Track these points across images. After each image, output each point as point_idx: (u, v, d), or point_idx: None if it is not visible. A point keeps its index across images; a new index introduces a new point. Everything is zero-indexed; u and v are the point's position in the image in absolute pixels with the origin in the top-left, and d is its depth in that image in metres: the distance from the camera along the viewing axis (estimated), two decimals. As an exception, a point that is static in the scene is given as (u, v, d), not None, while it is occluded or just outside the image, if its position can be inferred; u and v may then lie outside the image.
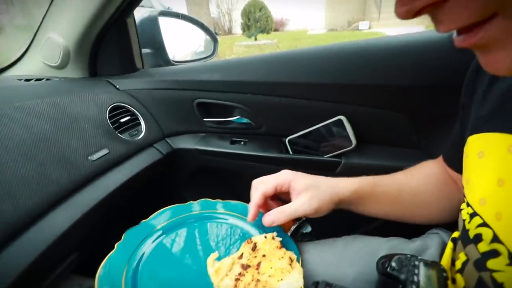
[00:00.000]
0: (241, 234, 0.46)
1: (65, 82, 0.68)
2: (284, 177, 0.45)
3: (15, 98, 0.53)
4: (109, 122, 0.59)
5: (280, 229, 0.47)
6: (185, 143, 0.73)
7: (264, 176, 0.47)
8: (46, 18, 0.68)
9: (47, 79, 0.67)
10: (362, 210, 0.48)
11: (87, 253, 0.57)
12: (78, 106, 0.58)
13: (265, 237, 0.42)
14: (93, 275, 0.74)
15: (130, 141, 0.61)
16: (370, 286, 0.39)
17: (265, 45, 8.17)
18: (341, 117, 0.65)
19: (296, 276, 0.36)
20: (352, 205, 0.47)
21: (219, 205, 0.52)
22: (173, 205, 0.51)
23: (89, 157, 0.51)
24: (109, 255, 0.39)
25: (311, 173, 0.70)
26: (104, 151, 0.54)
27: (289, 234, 0.63)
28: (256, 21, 9.40)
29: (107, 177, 0.52)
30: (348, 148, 0.66)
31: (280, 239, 0.43)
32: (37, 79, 0.66)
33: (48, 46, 0.69)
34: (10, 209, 0.37)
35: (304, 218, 0.53)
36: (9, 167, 0.40)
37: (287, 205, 0.43)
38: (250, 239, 0.42)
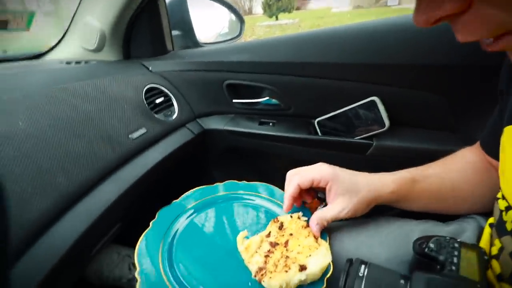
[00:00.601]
0: (267, 214, 0.48)
1: (102, 64, 0.71)
2: (321, 175, 0.43)
3: (60, 80, 0.57)
4: (145, 102, 0.61)
5: (306, 210, 0.48)
6: (215, 123, 0.75)
7: (300, 168, 0.47)
8: (82, 3, 0.71)
9: (86, 62, 0.71)
10: (400, 206, 0.47)
11: (128, 224, 0.62)
12: (116, 87, 0.60)
13: (291, 216, 0.43)
14: (128, 245, 0.80)
15: (165, 121, 0.63)
16: (403, 267, 0.39)
17: (287, 25, 7.92)
18: (374, 98, 0.63)
19: (323, 252, 0.37)
20: (391, 203, 0.46)
21: (245, 187, 0.54)
22: (202, 186, 0.53)
23: (130, 136, 0.53)
24: (145, 232, 0.42)
25: (341, 155, 0.70)
26: (143, 130, 0.56)
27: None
28: (278, 0, 9.09)
29: (146, 155, 0.55)
30: (381, 130, 0.64)
31: (306, 218, 0.44)
32: (76, 62, 0.69)
33: (85, 30, 0.72)
34: (65, 182, 0.40)
35: None
36: (61, 145, 0.43)
37: (326, 210, 0.43)
38: (277, 218, 0.44)
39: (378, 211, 0.55)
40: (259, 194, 0.52)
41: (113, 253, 0.78)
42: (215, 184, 0.53)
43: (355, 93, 0.66)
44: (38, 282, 0.32)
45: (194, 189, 0.52)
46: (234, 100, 0.75)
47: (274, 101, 0.74)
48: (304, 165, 0.74)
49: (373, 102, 0.64)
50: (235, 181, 0.55)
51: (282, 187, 0.68)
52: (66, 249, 0.37)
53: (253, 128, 0.73)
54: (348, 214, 0.42)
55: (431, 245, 0.33)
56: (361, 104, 0.65)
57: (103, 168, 0.46)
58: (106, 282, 0.75)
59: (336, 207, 0.42)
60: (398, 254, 0.41)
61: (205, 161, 0.80)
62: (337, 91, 0.68)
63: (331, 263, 0.36)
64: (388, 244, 0.42)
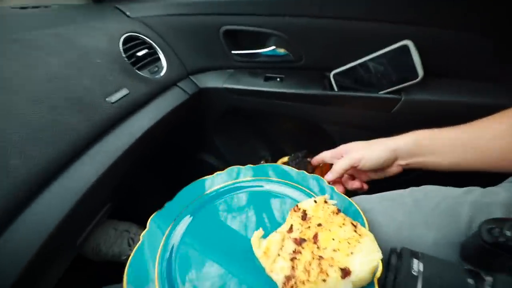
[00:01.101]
0: (283, 202, 0.39)
1: (66, 9, 0.57)
2: (339, 147, 0.48)
3: (11, 29, 0.44)
4: (124, 56, 0.49)
5: (333, 190, 0.40)
6: (212, 81, 0.63)
7: None
8: None
9: (45, 7, 0.56)
10: (433, 161, 0.41)
11: (119, 202, 0.54)
12: (86, 37, 0.48)
13: (315, 201, 0.34)
14: (126, 218, 0.74)
15: (151, 79, 0.52)
16: (454, 250, 0.32)
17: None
18: (407, 42, 0.51)
19: (369, 246, 0.28)
20: (418, 156, 0.41)
21: (250, 171, 0.44)
22: (199, 180, 0.43)
23: (107, 99, 0.43)
24: (136, 247, 0.34)
25: (362, 114, 0.61)
26: (124, 91, 0.46)
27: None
28: None
29: (130, 122, 0.45)
30: (412, 82, 0.54)
31: (335, 201, 0.35)
32: (34, 7, 0.55)
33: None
34: (21, 165, 0.30)
35: None
36: (13, 114, 0.33)
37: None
38: (297, 205, 0.35)
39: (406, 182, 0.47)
40: (268, 177, 0.43)
41: (109, 229, 0.73)
42: (214, 174, 0.44)
43: (382, 37, 0.54)
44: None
45: (190, 184, 0.43)
46: (233, 52, 0.62)
47: (281, 51, 0.62)
48: (318, 126, 0.65)
49: (405, 47, 0.52)
50: (238, 166, 0.45)
51: (293, 151, 0.60)
52: (36, 249, 0.29)
53: (258, 85, 0.62)
54: (362, 157, 0.43)
55: (508, 233, 0.26)
56: (390, 51, 0.53)
57: (75, 142, 0.36)
58: (105, 259, 0.71)
59: (350, 154, 0.44)
60: (447, 234, 0.34)
61: (203, 126, 0.70)
62: (359, 36, 0.55)
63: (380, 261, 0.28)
64: (434, 223, 0.35)
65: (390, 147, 0.43)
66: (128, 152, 0.43)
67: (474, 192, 0.38)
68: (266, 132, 0.74)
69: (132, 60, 0.50)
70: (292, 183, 0.41)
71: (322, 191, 0.39)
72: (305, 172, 0.43)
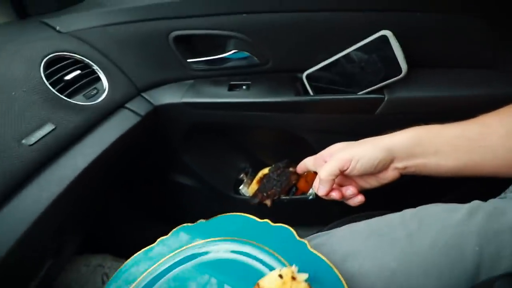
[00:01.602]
0: (241, 275, 0.31)
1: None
2: (323, 152, 0.41)
3: None
4: (47, 82, 0.40)
5: (302, 257, 0.31)
6: (169, 96, 0.55)
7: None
8: None
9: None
10: (435, 163, 0.34)
11: (70, 254, 0.46)
12: (-2, 65, 0.39)
13: (280, 276, 0.26)
14: (99, 251, 0.67)
15: (86, 106, 0.43)
16: None
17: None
18: (386, 32, 0.44)
19: None
20: (419, 157, 0.34)
21: (191, 233, 0.37)
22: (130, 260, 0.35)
23: (23, 141, 0.34)
24: None
25: (341, 118, 0.53)
26: (48, 128, 0.37)
27: (310, 197, 0.49)
28: None
29: (60, 164, 0.37)
30: (396, 78, 0.46)
31: (306, 275, 0.26)
32: None
33: None
34: None
35: None
36: None
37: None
38: (258, 284, 0.27)
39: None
40: (223, 238, 0.35)
41: (80, 267, 0.65)
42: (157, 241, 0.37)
43: (356, 29, 0.47)
44: None
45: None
46: (188, 60, 0.54)
47: (244, 54, 0.54)
48: (295, 135, 0.57)
49: (383, 38, 0.44)
50: (186, 224, 0.38)
51: (274, 161, 0.53)
52: None
53: (221, 96, 0.54)
54: (352, 157, 0.35)
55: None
56: (366, 44, 0.45)
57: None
58: (78, 299, 0.63)
59: (337, 155, 0.36)
60: (452, 282, 0.27)
61: (168, 146, 0.62)
62: (332, 29, 0.48)
63: None
64: (434, 268, 0.28)
65: (385, 146, 0.35)
66: (60, 200, 0.35)
67: (478, 214, 0.31)
68: (241, 144, 0.66)
69: (60, 86, 0.42)
70: (254, 242, 0.33)
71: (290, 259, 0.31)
72: (268, 221, 0.35)
